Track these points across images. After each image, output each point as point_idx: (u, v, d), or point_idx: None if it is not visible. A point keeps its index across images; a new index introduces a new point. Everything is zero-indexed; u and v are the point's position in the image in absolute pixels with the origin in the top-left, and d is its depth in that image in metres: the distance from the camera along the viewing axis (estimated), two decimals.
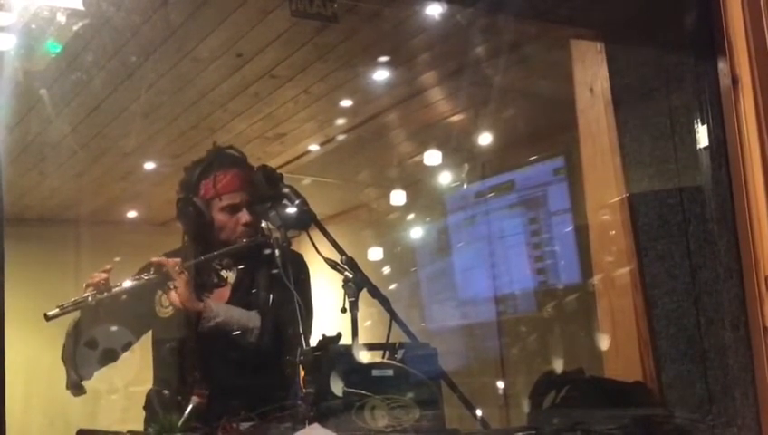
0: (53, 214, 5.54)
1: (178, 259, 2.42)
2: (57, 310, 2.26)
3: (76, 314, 2.35)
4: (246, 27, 3.23)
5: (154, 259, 2.42)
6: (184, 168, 2.60)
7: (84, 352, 2.34)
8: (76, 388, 2.34)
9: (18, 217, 5.37)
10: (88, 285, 2.33)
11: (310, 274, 2.55)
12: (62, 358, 2.39)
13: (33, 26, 2.28)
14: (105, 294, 2.31)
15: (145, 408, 2.45)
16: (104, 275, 2.34)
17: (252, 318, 2.45)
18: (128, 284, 2.38)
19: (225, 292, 2.55)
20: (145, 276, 2.40)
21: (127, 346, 2.45)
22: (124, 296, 2.35)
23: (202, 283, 2.50)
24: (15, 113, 3.41)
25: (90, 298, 2.29)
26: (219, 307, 2.44)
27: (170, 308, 2.41)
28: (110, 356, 2.41)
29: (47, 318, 2.24)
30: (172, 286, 2.38)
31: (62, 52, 2.91)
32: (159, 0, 2.94)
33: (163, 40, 3.23)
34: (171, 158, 4.43)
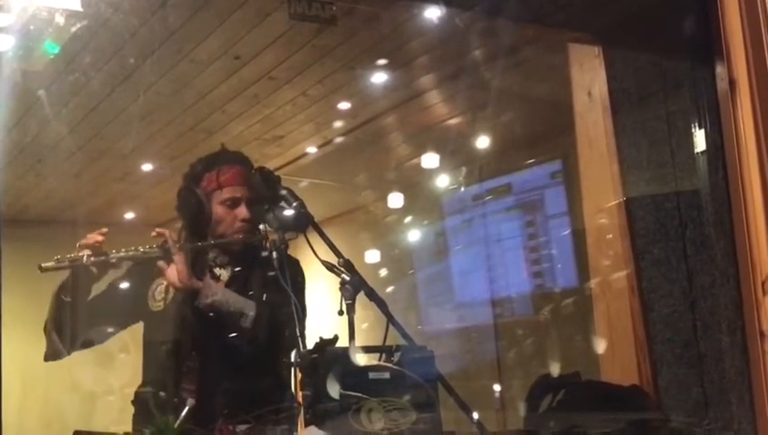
0: (51, 215, 5.53)
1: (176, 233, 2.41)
2: (53, 263, 2.24)
3: (63, 277, 2.32)
4: (245, 29, 3.23)
5: (157, 229, 2.40)
6: (190, 164, 2.60)
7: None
8: (55, 355, 2.29)
9: (16, 217, 5.36)
10: (81, 246, 2.31)
11: (305, 279, 2.54)
12: (45, 328, 2.35)
13: (32, 27, 2.28)
14: (102, 257, 2.29)
15: (133, 402, 2.44)
16: (100, 238, 2.32)
17: (248, 305, 2.43)
18: (125, 253, 2.35)
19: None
20: (143, 248, 2.37)
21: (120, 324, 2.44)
22: (124, 268, 2.34)
23: (195, 276, 2.50)
24: (13, 114, 3.41)
25: (86, 257, 2.27)
26: (218, 287, 2.43)
27: (163, 302, 2.41)
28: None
29: (41, 269, 2.22)
30: (171, 264, 2.36)
31: (61, 53, 2.91)
32: (158, 2, 2.94)
33: (161, 42, 3.23)
34: (169, 159, 4.42)
